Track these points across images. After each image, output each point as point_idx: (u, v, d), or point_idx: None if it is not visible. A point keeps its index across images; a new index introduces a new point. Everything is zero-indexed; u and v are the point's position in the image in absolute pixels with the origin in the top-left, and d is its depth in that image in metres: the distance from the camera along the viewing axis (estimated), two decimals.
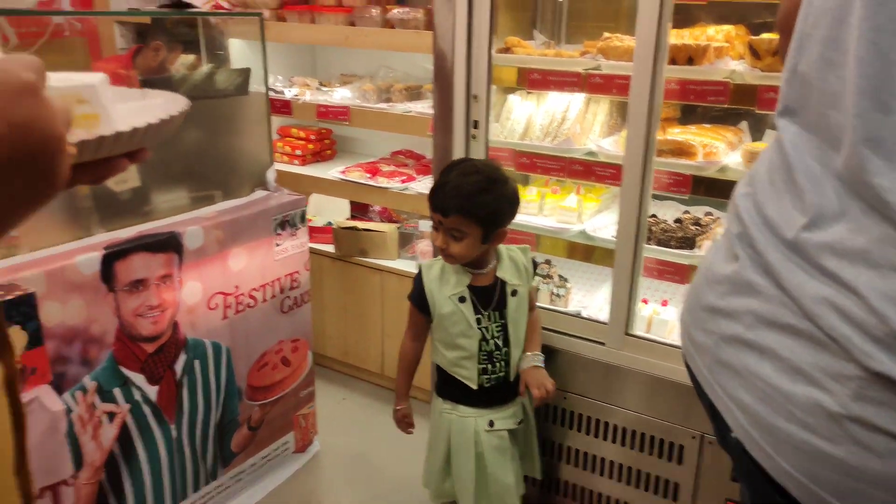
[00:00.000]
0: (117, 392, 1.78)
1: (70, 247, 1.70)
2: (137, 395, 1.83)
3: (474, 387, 1.78)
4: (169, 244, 1.86)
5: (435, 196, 1.68)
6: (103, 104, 0.65)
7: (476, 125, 2.04)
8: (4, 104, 0.43)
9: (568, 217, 2.20)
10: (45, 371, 1.50)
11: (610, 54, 1.95)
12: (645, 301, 2.09)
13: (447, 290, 1.76)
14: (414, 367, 1.91)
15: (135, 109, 0.74)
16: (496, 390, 1.81)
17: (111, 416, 1.77)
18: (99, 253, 1.68)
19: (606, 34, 2.00)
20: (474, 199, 1.63)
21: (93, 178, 0.63)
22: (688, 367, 0.97)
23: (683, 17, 2.03)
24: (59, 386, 1.63)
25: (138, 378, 1.83)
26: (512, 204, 1.71)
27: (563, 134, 2.11)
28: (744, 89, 1.79)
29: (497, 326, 1.77)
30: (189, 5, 2.70)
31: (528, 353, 1.84)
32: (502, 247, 1.81)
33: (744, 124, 2.19)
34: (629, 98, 1.79)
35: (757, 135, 2.17)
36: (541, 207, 2.27)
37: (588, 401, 2.02)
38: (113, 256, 1.71)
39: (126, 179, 1.91)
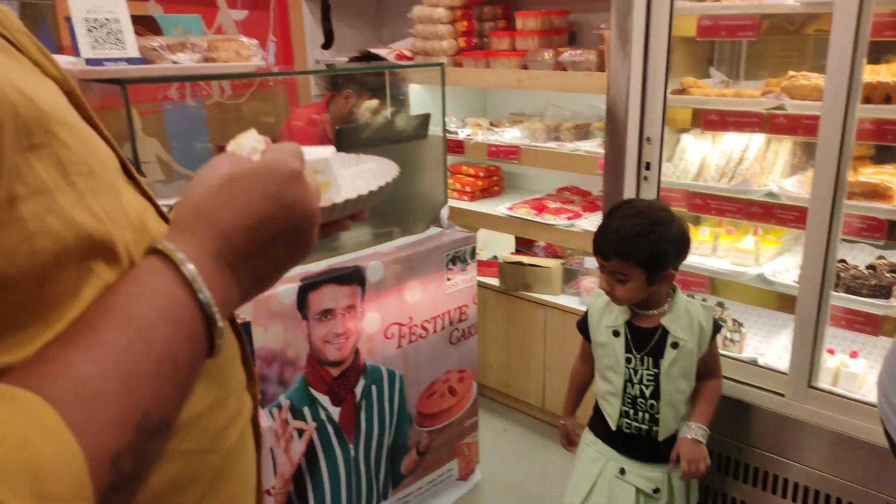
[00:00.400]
0: (306, 411, 1.96)
1: None
2: (323, 415, 2.00)
3: (612, 426, 1.74)
4: (354, 277, 2.02)
5: (597, 240, 1.67)
6: (333, 173, 0.77)
7: (648, 167, 2.03)
8: (278, 189, 0.54)
9: (744, 259, 2.12)
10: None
11: (795, 93, 1.87)
12: (831, 352, 1.95)
13: (607, 320, 1.75)
14: (582, 387, 1.92)
15: (355, 174, 0.86)
16: (635, 441, 1.73)
17: (300, 432, 1.95)
18: (296, 284, 1.87)
19: (791, 72, 1.92)
20: (634, 243, 1.59)
21: (322, 236, 0.75)
22: (885, 430, 0.92)
23: (880, 53, 1.90)
24: (262, 403, 1.83)
25: (324, 399, 2.00)
26: (678, 245, 1.65)
27: (741, 174, 2.05)
28: None
29: (648, 374, 1.69)
30: (377, 57, 2.94)
31: (692, 423, 1.69)
32: (684, 297, 1.73)
33: None
34: (818, 139, 1.71)
35: None
36: (714, 248, 2.20)
37: (763, 454, 1.92)
38: (307, 288, 1.90)
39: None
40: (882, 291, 1.82)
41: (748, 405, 1.92)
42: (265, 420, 1.65)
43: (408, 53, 3.16)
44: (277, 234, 0.54)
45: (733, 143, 2.13)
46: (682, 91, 2.09)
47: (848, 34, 1.61)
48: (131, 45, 1.66)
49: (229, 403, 0.63)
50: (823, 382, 1.85)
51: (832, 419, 1.78)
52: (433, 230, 2.41)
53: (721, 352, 2.04)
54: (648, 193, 2.05)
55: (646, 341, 1.70)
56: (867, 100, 1.71)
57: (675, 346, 1.67)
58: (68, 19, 1.80)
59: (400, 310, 2.17)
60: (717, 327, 1.73)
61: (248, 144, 0.72)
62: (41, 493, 0.34)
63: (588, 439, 1.84)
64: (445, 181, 2.47)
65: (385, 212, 2.31)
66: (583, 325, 1.84)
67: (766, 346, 2.11)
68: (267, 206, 0.53)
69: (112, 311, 0.45)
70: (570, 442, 1.92)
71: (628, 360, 1.71)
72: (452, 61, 2.99)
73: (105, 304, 0.46)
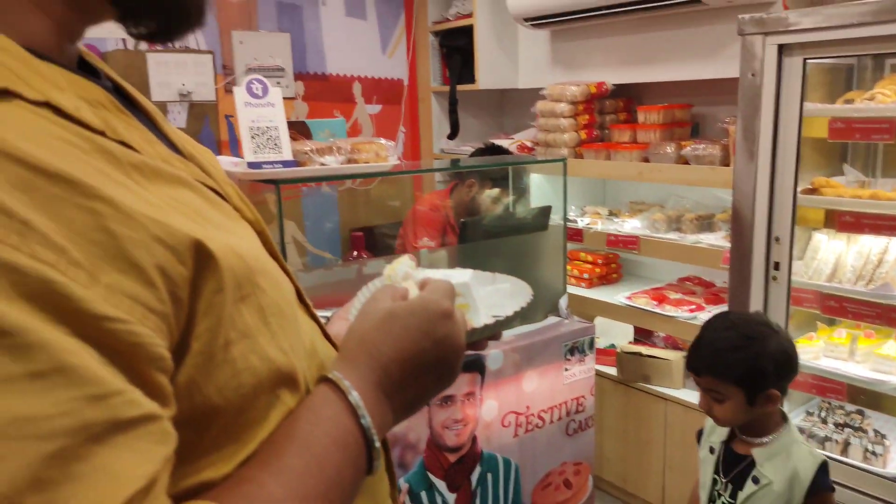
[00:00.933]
0: (423, 495, 2.00)
1: None
2: (439, 500, 2.04)
3: None
4: (475, 365, 2.08)
5: (690, 354, 1.56)
6: (473, 297, 0.84)
7: (777, 266, 1.99)
8: (432, 326, 0.63)
9: (886, 367, 1.99)
10: None
11: None
12: None
13: (713, 435, 1.64)
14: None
15: (491, 293, 0.93)
16: None
17: None
18: None
19: None
20: (727, 358, 1.47)
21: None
22: None
23: None
24: None
25: (441, 484, 2.04)
26: (779, 364, 1.47)
27: (881, 278, 1.96)
28: None
29: (725, 503, 1.57)
30: (500, 148, 3.08)
31: None
32: (793, 437, 1.53)
33: None
34: None
35: None
36: (851, 352, 2.09)
37: None
38: None
39: None
40: None
41: None
42: None
43: (529, 144, 3.28)
44: (428, 366, 0.62)
45: (871, 244, 2.05)
46: (812, 191, 2.04)
47: None
48: (287, 149, 1.85)
49: None
50: None
51: None
52: (552, 319, 2.44)
53: (862, 465, 1.91)
54: (778, 294, 2.00)
55: (733, 467, 1.57)
56: None
57: (755, 481, 1.51)
58: (228, 118, 2.03)
59: (517, 398, 2.20)
60: (820, 484, 1.48)
61: (402, 270, 0.81)
62: None
63: None
64: (565, 271, 2.52)
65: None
66: (699, 435, 1.75)
67: None
68: (421, 341, 0.61)
69: (294, 439, 0.54)
70: None
71: (714, 482, 1.59)
72: (573, 152, 3.07)
73: (288, 431, 0.54)
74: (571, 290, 3.11)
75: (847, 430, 2.02)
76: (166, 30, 0.59)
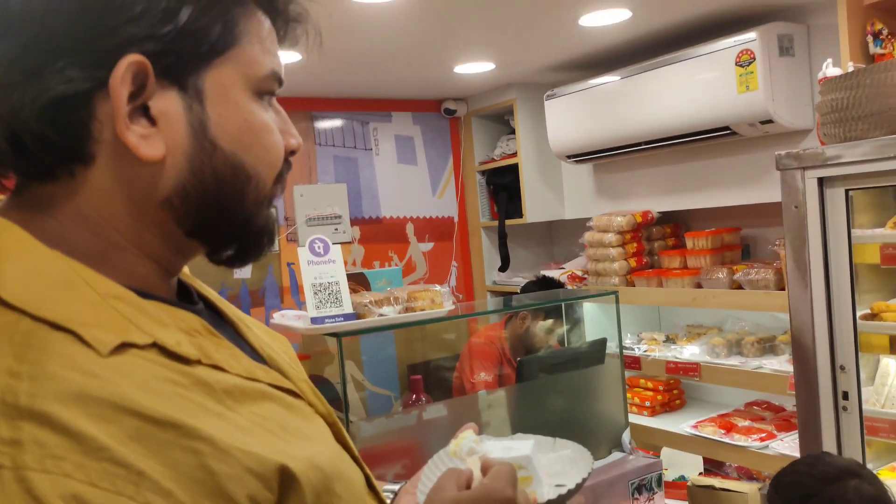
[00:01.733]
0: None
1: None
2: None
3: None
4: None
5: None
6: (535, 469, 0.86)
7: (846, 396, 1.93)
8: None
9: None
10: None
11: None
12: None
13: None
14: None
15: (553, 461, 0.95)
16: None
17: None
18: None
19: None
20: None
21: None
22: None
23: None
24: None
25: None
26: None
27: None
28: None
29: None
30: (551, 280, 3.14)
31: None
32: None
33: None
34: None
35: None
36: None
37: None
38: None
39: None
40: None
41: None
42: None
43: (580, 273, 3.34)
44: None
45: None
46: (873, 316, 2.01)
47: None
48: (347, 303, 1.95)
49: None
50: None
51: None
52: (616, 455, 2.38)
53: None
54: (850, 424, 1.93)
55: None
56: None
57: None
58: (290, 265, 2.16)
59: None
60: None
61: (466, 446, 0.85)
62: None
63: None
64: (626, 404, 2.48)
65: (566, 438, 2.35)
66: None
67: None
68: None
69: None
70: None
71: None
72: (625, 280, 3.11)
73: None
74: (633, 418, 3.04)
75: None
76: (244, 256, 0.68)
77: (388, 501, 0.85)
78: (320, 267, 1.99)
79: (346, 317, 1.95)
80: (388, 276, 2.20)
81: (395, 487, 1.03)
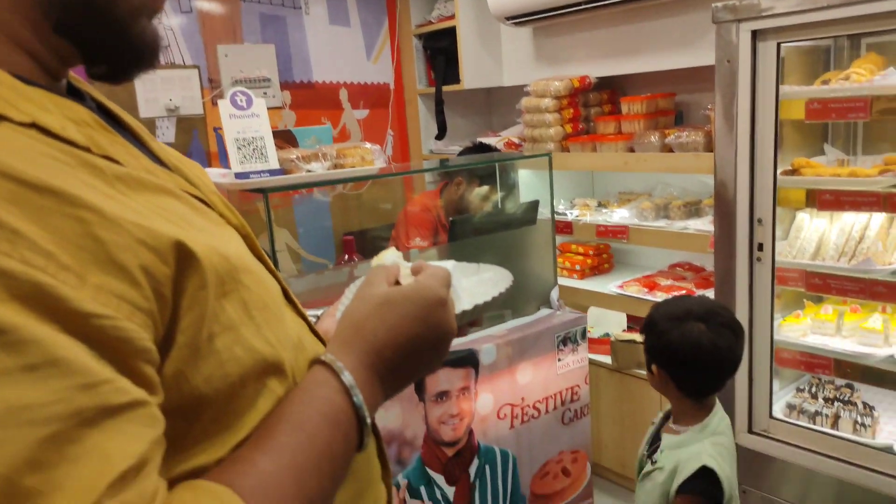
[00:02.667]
0: (423, 490, 2.04)
1: None
2: (438, 494, 2.08)
3: None
4: (468, 360, 2.12)
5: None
6: (454, 286, 0.87)
7: (761, 247, 2.02)
8: (427, 313, 0.67)
9: (872, 339, 2.03)
10: None
11: None
12: None
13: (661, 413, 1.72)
14: None
15: (475, 283, 0.96)
16: None
17: None
18: None
19: None
20: (652, 338, 1.58)
21: None
22: None
23: None
24: None
25: (440, 479, 2.08)
26: (686, 355, 1.52)
27: (862, 253, 1.99)
28: None
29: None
30: (488, 146, 3.11)
31: None
32: (700, 437, 1.51)
33: None
34: None
35: None
36: (838, 328, 2.13)
37: None
38: None
39: None
40: None
41: (882, 496, 1.81)
42: None
43: (516, 140, 3.32)
44: (421, 350, 0.67)
45: (853, 220, 2.09)
46: (793, 172, 2.08)
47: None
48: (273, 158, 1.89)
49: (368, 494, 0.73)
50: None
51: None
52: (544, 311, 2.47)
53: (852, 437, 1.95)
54: (763, 274, 2.04)
55: (654, 444, 1.63)
56: None
57: (653, 461, 1.57)
58: (217, 129, 2.07)
59: (512, 391, 2.24)
60: (689, 485, 1.44)
61: (390, 259, 0.84)
62: None
63: None
64: (555, 263, 2.55)
65: None
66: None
67: None
68: (416, 327, 0.66)
69: (286, 419, 0.57)
70: None
71: (641, 455, 1.69)
72: (560, 146, 3.11)
73: (281, 412, 0.58)
74: (564, 282, 3.14)
75: (836, 403, 2.06)
76: (121, 69, 0.63)
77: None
78: (243, 121, 1.91)
79: (273, 172, 1.90)
80: (318, 134, 2.13)
81: (318, 312, 1.04)
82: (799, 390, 2.21)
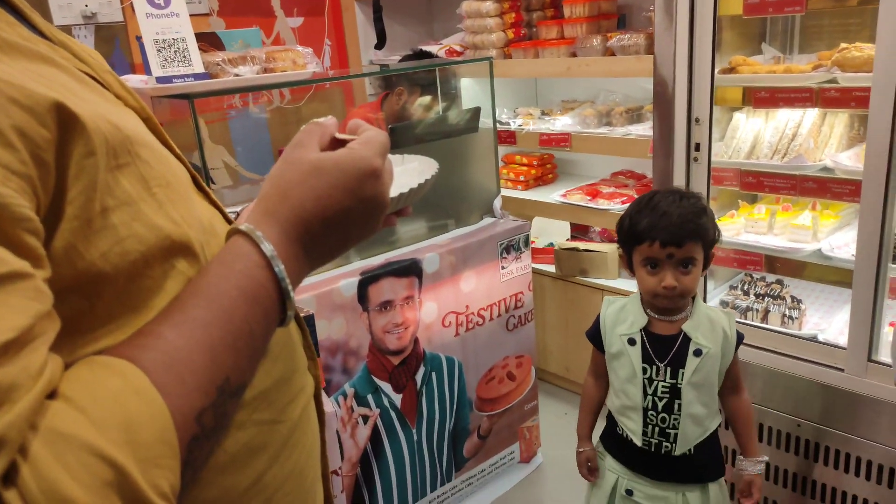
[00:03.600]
0: (370, 398, 2.06)
1: (333, 273, 2.01)
2: (386, 402, 2.10)
3: (638, 442, 1.59)
4: (411, 269, 2.11)
5: (658, 230, 1.47)
6: None
7: (698, 147, 2.03)
8: (359, 185, 0.61)
9: (801, 236, 2.09)
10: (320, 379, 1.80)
11: (847, 66, 1.84)
12: (893, 325, 1.92)
13: (622, 328, 1.59)
14: (596, 407, 1.77)
15: (400, 174, 0.93)
16: (648, 458, 1.59)
17: (365, 418, 2.05)
18: (356, 278, 1.97)
19: (843, 44, 1.88)
20: (701, 223, 1.48)
21: None
22: None
23: None
24: (327, 391, 1.94)
25: (386, 387, 2.10)
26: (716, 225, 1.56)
27: (795, 150, 2.03)
28: None
29: (664, 386, 1.55)
30: (428, 55, 3.01)
31: (752, 459, 1.61)
32: (702, 304, 1.58)
33: None
34: (869, 112, 1.68)
35: None
36: (770, 226, 2.18)
37: (827, 430, 1.90)
38: (367, 281, 1.99)
39: None
40: None
41: (807, 381, 1.91)
42: (329, 406, 1.76)
43: (458, 48, 3.22)
44: (351, 223, 0.62)
45: (786, 118, 2.11)
46: (730, 70, 2.07)
47: None
48: (197, 61, 1.78)
49: (294, 380, 0.71)
50: (885, 356, 1.82)
51: (893, 392, 1.76)
52: (487, 220, 2.47)
53: (781, 329, 2.03)
54: (699, 175, 2.06)
55: (666, 350, 1.55)
56: None
57: (697, 353, 1.53)
58: (139, 38, 1.94)
59: (456, 299, 2.25)
60: (740, 336, 1.58)
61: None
62: (132, 442, 0.43)
63: (600, 451, 1.74)
64: (497, 172, 2.53)
65: (439, 204, 2.39)
66: (594, 334, 1.68)
67: (827, 322, 2.08)
68: (347, 200, 0.60)
69: (201, 292, 0.53)
70: (592, 471, 1.74)
71: (644, 371, 1.56)
72: (502, 53, 3.03)
73: (195, 285, 0.54)
74: (509, 193, 3.14)
75: (767, 299, 2.13)
76: None
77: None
78: (162, 21, 1.78)
79: (197, 76, 1.79)
80: (246, 37, 2.01)
81: (237, 209, 0.99)
82: (732, 288, 2.29)
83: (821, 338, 1.96)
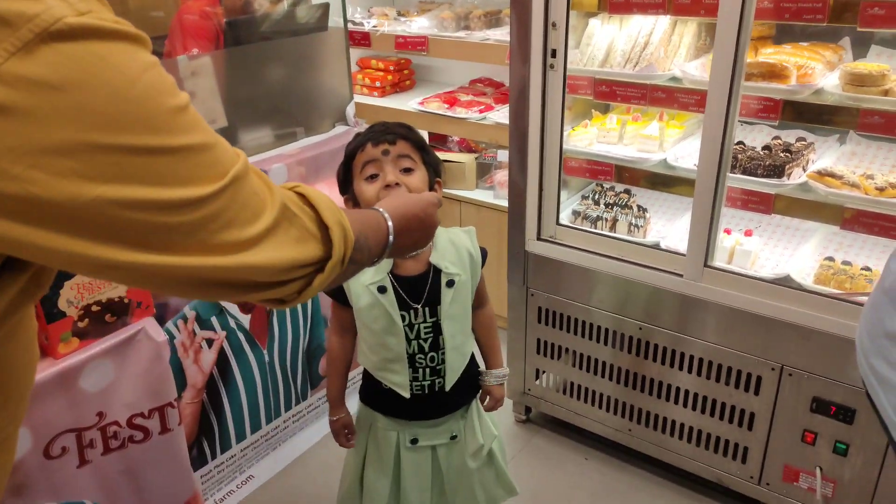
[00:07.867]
0: (214, 320, 1.92)
1: None
2: (232, 323, 1.97)
3: (406, 395, 1.49)
4: None
5: (373, 132, 1.42)
6: None
7: (554, 54, 1.98)
8: (427, 207, 1.01)
9: (649, 146, 2.14)
10: (148, 304, 1.63)
11: None
12: (728, 231, 2.03)
13: (366, 276, 1.43)
14: (345, 367, 1.60)
15: None
16: (424, 402, 1.52)
17: (210, 342, 1.92)
18: None
19: None
20: (413, 131, 1.47)
21: None
22: (866, 391, 0.91)
23: None
24: (163, 316, 1.78)
25: (233, 308, 1.96)
26: (438, 167, 1.50)
27: (646, 59, 2.03)
28: (844, 5, 1.65)
29: (426, 327, 1.46)
30: None
31: (493, 371, 1.61)
32: (441, 228, 1.36)
33: (846, 41, 2.03)
34: (717, 19, 1.69)
35: (861, 51, 2.01)
36: (621, 136, 2.21)
37: (664, 332, 2.01)
38: None
39: (214, 119, 2.00)
40: (776, 171, 1.87)
41: (649, 287, 2.00)
42: (160, 334, 1.61)
43: None
44: (418, 230, 0.99)
45: (639, 27, 2.10)
46: None
47: None
48: None
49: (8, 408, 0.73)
50: (720, 261, 1.92)
51: (726, 295, 1.87)
52: (339, 129, 2.32)
53: (627, 237, 2.09)
54: (555, 82, 2.02)
55: (419, 290, 1.45)
56: None
57: (450, 284, 1.46)
58: None
59: None
60: (484, 253, 1.54)
61: None
62: (340, 223, 0.74)
63: (364, 415, 1.61)
64: (350, 76, 2.37)
65: (286, 110, 2.21)
66: (335, 288, 1.49)
67: (669, 229, 2.17)
68: (419, 213, 0.99)
69: (364, 216, 0.89)
70: (351, 435, 1.61)
71: (403, 318, 1.45)
72: None
73: (363, 214, 0.91)
74: (365, 100, 2.98)
75: (615, 208, 2.18)
76: None
77: None
78: None
79: None
80: None
81: None
82: (584, 198, 2.32)
83: (663, 245, 2.04)
